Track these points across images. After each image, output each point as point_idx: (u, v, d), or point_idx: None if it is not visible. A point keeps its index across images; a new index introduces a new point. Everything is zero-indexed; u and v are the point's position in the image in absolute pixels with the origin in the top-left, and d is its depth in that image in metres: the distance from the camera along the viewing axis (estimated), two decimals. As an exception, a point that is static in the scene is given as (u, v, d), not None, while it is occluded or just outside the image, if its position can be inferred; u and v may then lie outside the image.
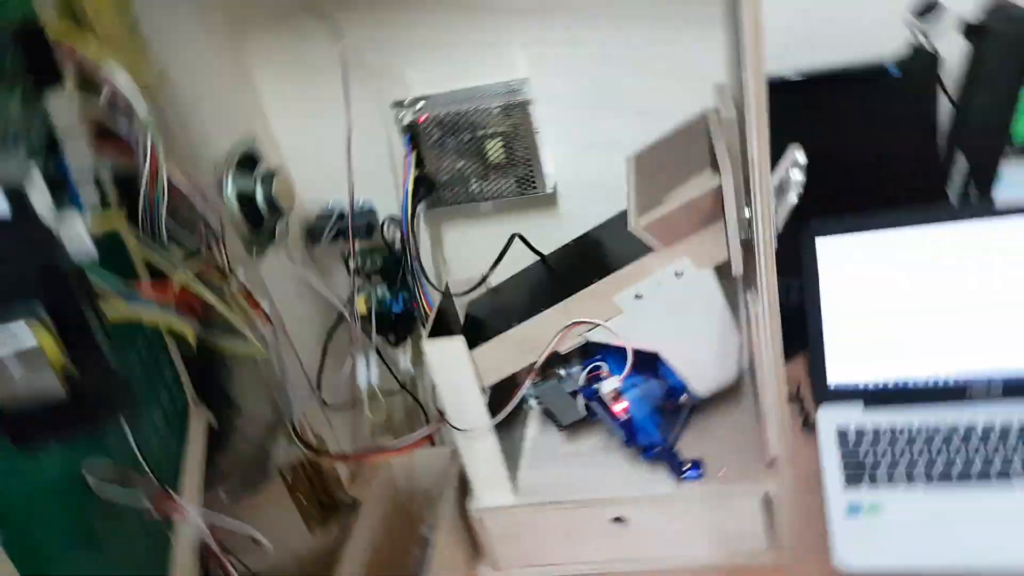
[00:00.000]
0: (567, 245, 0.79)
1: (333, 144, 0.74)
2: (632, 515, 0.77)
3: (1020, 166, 0.81)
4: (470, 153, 0.76)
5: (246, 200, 0.69)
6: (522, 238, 0.76)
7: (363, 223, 0.82)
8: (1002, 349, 0.78)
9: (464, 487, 0.81)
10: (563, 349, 0.71)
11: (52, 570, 0.40)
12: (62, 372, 0.33)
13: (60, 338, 0.33)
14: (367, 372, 0.81)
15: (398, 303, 0.85)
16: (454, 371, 0.72)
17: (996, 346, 0.78)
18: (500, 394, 0.74)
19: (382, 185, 0.81)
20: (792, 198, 0.68)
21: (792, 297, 0.89)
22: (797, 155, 0.57)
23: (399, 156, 0.78)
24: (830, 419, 0.82)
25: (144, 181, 0.46)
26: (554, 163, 0.79)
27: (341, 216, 0.82)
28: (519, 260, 0.79)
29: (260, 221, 0.72)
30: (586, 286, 0.67)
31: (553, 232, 0.81)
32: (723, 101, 0.64)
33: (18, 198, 0.33)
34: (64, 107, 0.41)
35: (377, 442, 0.81)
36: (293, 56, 0.76)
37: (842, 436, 0.80)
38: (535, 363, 0.71)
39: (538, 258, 0.79)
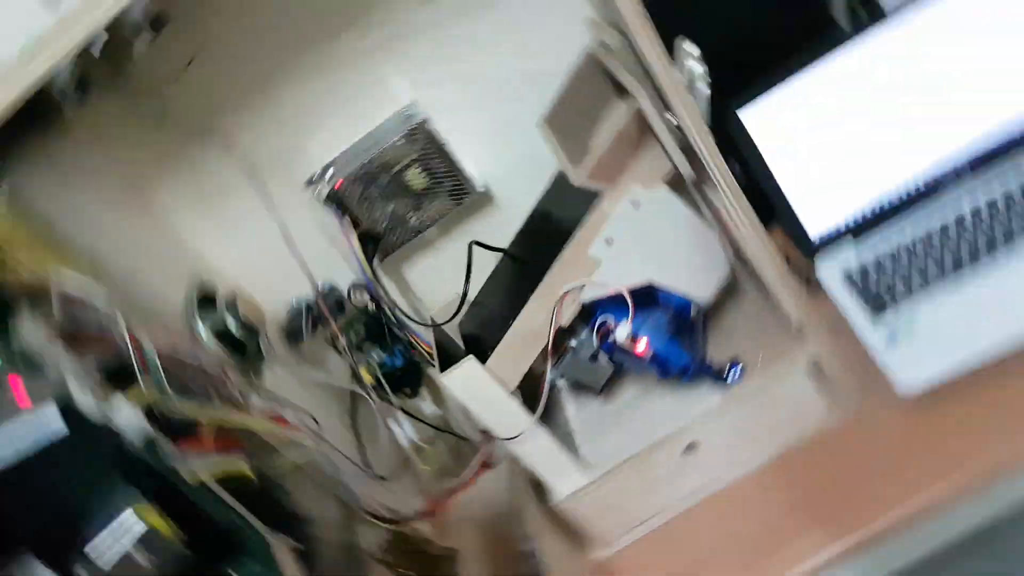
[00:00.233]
0: (522, 230, 0.81)
1: (270, 247, 0.75)
2: (699, 437, 0.78)
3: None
4: (395, 192, 0.77)
5: (223, 335, 0.69)
6: (478, 243, 0.77)
7: (332, 303, 0.82)
8: (953, 134, 0.80)
9: (539, 488, 0.81)
10: (565, 322, 0.73)
11: None
12: (179, 540, 0.34)
13: (164, 511, 0.34)
14: (403, 432, 0.81)
15: (397, 358, 0.86)
16: (479, 390, 0.72)
17: (946, 134, 0.80)
18: (527, 392, 0.75)
19: (331, 260, 0.81)
20: (703, 89, 0.70)
21: (742, 177, 0.92)
22: (687, 47, 0.59)
23: (332, 225, 0.78)
24: (830, 268, 0.84)
25: (135, 360, 0.46)
26: (475, 163, 0.80)
27: (309, 307, 0.82)
28: (486, 264, 0.81)
29: (243, 348, 0.72)
30: (556, 257, 0.69)
31: (503, 225, 0.82)
32: (602, 32, 0.66)
33: (68, 411, 0.33)
34: (31, 331, 0.41)
35: (443, 488, 0.82)
36: (199, 186, 0.76)
37: (848, 278, 0.83)
38: (546, 347, 0.72)
39: (501, 254, 0.80)
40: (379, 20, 0.72)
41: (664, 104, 0.59)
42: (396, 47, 0.73)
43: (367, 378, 0.84)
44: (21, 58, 0.50)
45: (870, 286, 0.81)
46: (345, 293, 0.83)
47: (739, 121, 0.82)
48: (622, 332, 0.73)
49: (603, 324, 0.74)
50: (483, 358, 0.72)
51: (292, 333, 0.83)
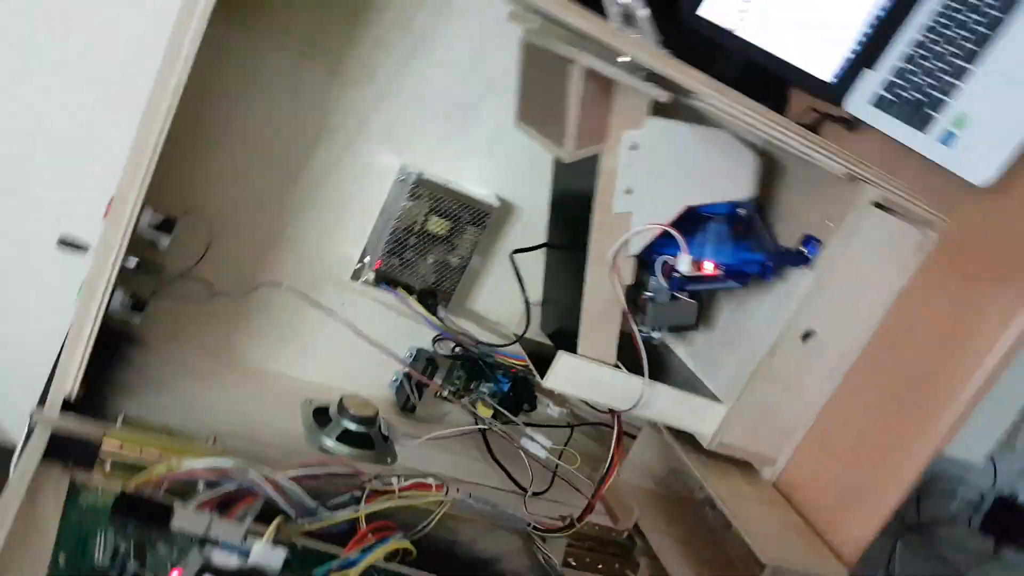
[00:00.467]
0: (551, 219, 0.82)
1: (350, 345, 0.81)
2: (810, 322, 0.77)
3: None
4: (427, 246, 0.81)
5: (346, 438, 0.75)
6: (517, 251, 0.79)
7: (423, 364, 0.87)
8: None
9: (688, 438, 0.83)
10: (628, 280, 0.74)
11: None
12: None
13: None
14: (538, 444, 0.84)
15: (503, 383, 0.89)
16: (583, 378, 0.75)
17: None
18: (631, 359, 0.76)
19: (406, 329, 0.86)
20: (642, 13, 0.70)
21: (720, 64, 0.91)
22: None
23: (391, 300, 0.84)
24: (860, 102, 0.82)
25: (279, 499, 0.52)
26: (480, 185, 0.83)
27: (408, 377, 0.88)
28: (536, 265, 0.83)
29: (368, 440, 0.78)
30: (588, 231, 0.70)
31: (532, 224, 0.85)
32: (524, 20, 0.67)
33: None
34: (188, 519, 0.48)
35: (596, 478, 0.84)
36: (268, 328, 0.83)
37: (881, 101, 0.80)
38: (623, 311, 0.73)
39: (544, 248, 0.82)
40: (336, 123, 0.77)
41: (607, 51, 0.60)
42: (363, 133, 0.78)
43: (486, 412, 0.88)
44: (81, 303, 0.58)
45: (905, 98, 0.78)
46: (431, 350, 0.88)
47: (702, 18, 0.81)
48: (684, 264, 0.73)
49: (664, 265, 0.75)
50: (573, 348, 0.74)
51: (404, 406, 0.88)
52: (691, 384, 0.84)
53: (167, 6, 0.52)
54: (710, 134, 0.73)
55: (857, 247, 0.75)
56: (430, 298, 0.83)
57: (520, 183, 0.84)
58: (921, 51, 0.77)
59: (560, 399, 0.96)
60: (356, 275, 0.81)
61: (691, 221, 0.75)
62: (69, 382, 0.59)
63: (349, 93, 0.75)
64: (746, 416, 0.81)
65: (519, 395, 0.90)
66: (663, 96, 0.64)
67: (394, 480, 0.61)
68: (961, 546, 1.42)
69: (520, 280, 0.79)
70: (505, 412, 0.88)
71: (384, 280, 0.81)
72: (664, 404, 0.79)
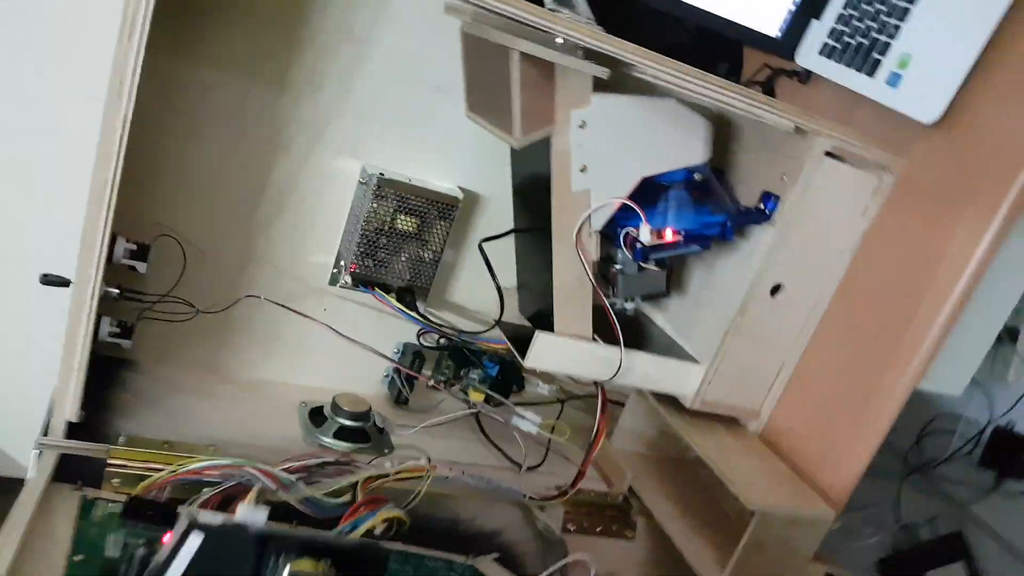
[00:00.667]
0: (515, 205, 0.85)
1: (337, 347, 0.84)
2: (777, 276, 0.79)
3: None
4: (398, 244, 0.84)
5: (342, 433, 0.78)
6: (484, 240, 0.82)
7: (411, 358, 0.90)
8: None
9: (674, 401, 0.85)
10: (594, 256, 0.76)
11: None
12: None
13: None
14: (528, 421, 0.87)
15: (491, 367, 0.92)
16: (562, 354, 0.77)
17: None
18: (608, 331, 0.78)
19: (389, 326, 0.89)
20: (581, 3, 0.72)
21: (673, 35, 0.92)
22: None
23: (371, 301, 0.86)
24: (808, 53, 0.85)
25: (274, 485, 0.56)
26: (442, 179, 0.85)
27: (397, 372, 0.91)
28: (506, 253, 0.86)
29: (364, 434, 0.80)
30: (549, 214, 0.72)
31: (496, 214, 0.88)
32: (459, 12, 0.69)
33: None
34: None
35: (587, 449, 0.87)
36: (253, 339, 0.86)
37: (827, 49, 0.82)
38: (592, 286, 0.76)
39: (512, 234, 0.84)
40: (292, 136, 0.79)
41: (544, 34, 0.62)
42: (320, 142, 0.80)
43: (478, 397, 0.91)
44: (67, 333, 0.61)
45: (851, 44, 0.80)
46: (417, 344, 0.91)
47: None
48: (644, 234, 0.75)
49: (627, 236, 0.77)
50: (551, 327, 0.77)
51: (398, 400, 0.91)
52: (670, 348, 0.87)
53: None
54: (658, 104, 0.75)
55: (815, 198, 0.77)
56: (408, 295, 0.86)
57: (481, 173, 0.86)
58: (862, -5, 0.78)
59: (548, 377, 0.98)
60: (333, 280, 0.84)
61: (651, 191, 0.77)
62: (68, 407, 0.62)
63: (300, 106, 0.78)
64: (724, 373, 0.83)
65: (507, 377, 0.93)
66: (602, 72, 0.66)
67: (387, 464, 0.64)
68: (964, 481, 1.44)
69: (490, 268, 0.81)
70: (496, 395, 0.90)
71: (361, 282, 0.84)
72: (644, 370, 0.82)
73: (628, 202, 0.74)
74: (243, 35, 0.73)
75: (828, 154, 0.76)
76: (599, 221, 0.75)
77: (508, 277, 0.87)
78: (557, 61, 0.64)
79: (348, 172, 0.81)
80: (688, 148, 0.77)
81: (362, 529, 0.54)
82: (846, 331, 0.81)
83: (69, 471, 0.62)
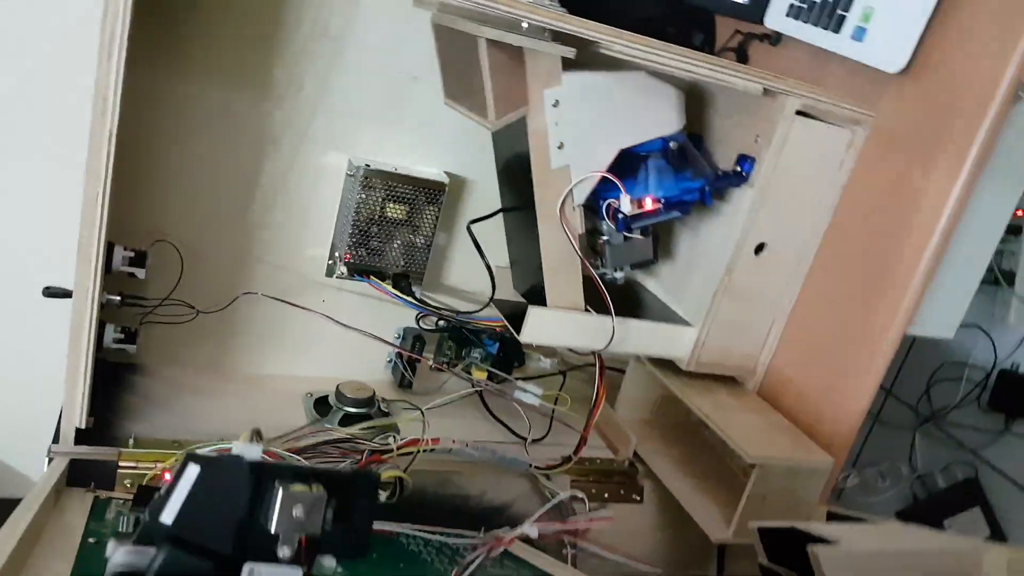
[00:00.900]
0: (500, 185, 0.87)
1: (339, 337, 0.86)
2: (759, 235, 0.81)
3: None
4: (390, 232, 0.86)
5: (347, 420, 0.81)
6: (473, 221, 0.84)
7: (414, 342, 0.92)
8: None
9: (671, 365, 0.88)
10: (578, 229, 0.78)
11: None
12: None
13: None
14: (531, 395, 0.90)
15: (492, 345, 0.94)
16: (557, 327, 0.80)
17: None
18: (601, 303, 0.80)
19: (388, 312, 0.92)
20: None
21: (646, 10, 0.94)
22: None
23: (370, 291, 0.89)
24: (776, 15, 0.87)
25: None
26: (428, 164, 0.87)
27: (399, 356, 0.93)
28: (497, 232, 0.88)
29: (369, 419, 0.83)
30: (532, 192, 0.74)
31: (483, 196, 0.90)
32: (427, 4, 0.71)
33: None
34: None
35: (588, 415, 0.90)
36: (257, 335, 0.89)
37: (792, 9, 0.84)
38: (580, 258, 0.78)
39: (499, 214, 0.86)
40: (277, 136, 0.81)
41: (512, 18, 0.64)
42: (306, 140, 0.82)
43: (480, 375, 0.93)
44: (70, 343, 0.64)
45: (815, 3, 0.82)
46: (417, 327, 0.93)
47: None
48: (625, 204, 0.77)
49: (608, 208, 0.79)
50: (542, 301, 0.79)
51: (401, 384, 0.94)
52: (663, 314, 0.89)
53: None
54: (628, 78, 0.76)
55: (790, 157, 0.78)
56: (403, 280, 0.88)
57: (465, 157, 0.88)
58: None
59: (548, 351, 1.01)
60: (330, 272, 0.86)
61: (630, 163, 0.79)
62: (77, 414, 0.65)
63: (284, 107, 0.80)
64: (717, 334, 0.85)
65: (508, 354, 0.95)
66: (569, 52, 0.68)
67: (391, 440, 0.67)
68: (975, 427, 1.46)
69: (479, 248, 0.83)
70: (498, 372, 0.93)
71: (357, 271, 0.86)
72: (638, 337, 0.84)
73: (607, 175, 0.76)
74: (222, 44, 0.75)
75: (800, 113, 0.77)
76: (581, 195, 0.77)
77: (502, 256, 0.89)
78: (523, 45, 0.65)
79: (335, 166, 0.83)
80: (661, 118, 0.78)
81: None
82: (833, 283, 0.83)
83: (82, 476, 0.65)
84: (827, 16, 0.81)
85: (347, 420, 0.81)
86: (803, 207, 0.82)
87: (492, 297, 0.85)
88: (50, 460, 0.64)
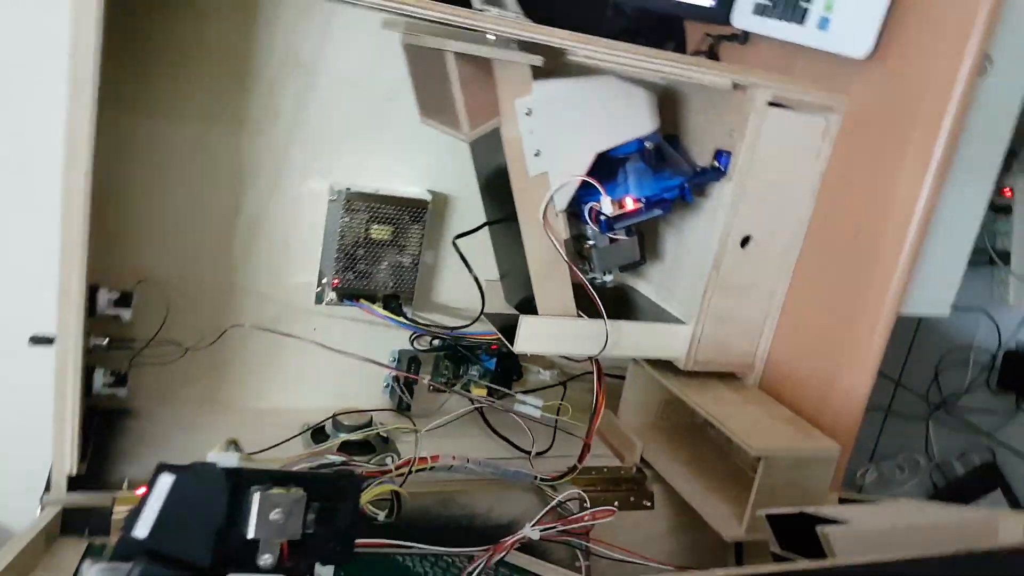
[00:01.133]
0: (483, 198, 0.87)
1: (332, 364, 0.86)
2: (743, 228, 0.81)
3: None
4: (376, 253, 0.86)
5: (346, 448, 0.80)
6: (459, 236, 0.84)
7: (410, 364, 0.92)
8: None
9: (670, 366, 0.87)
10: (563, 235, 0.78)
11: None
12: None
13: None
14: (531, 407, 0.89)
15: (488, 361, 0.94)
16: (549, 335, 0.79)
17: None
18: (592, 308, 0.80)
19: (381, 335, 0.91)
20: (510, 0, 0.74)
21: (615, 21, 0.95)
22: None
23: (362, 315, 0.88)
24: (742, 14, 0.87)
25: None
26: (409, 184, 0.88)
27: (396, 379, 0.93)
28: (484, 246, 0.88)
29: (371, 447, 0.82)
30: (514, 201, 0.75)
31: (467, 210, 0.90)
32: (395, 25, 0.72)
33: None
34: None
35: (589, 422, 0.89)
36: (249, 370, 0.88)
37: (760, 6, 0.84)
38: (566, 264, 0.78)
39: (485, 227, 0.87)
40: (257, 166, 0.82)
41: (474, 33, 0.65)
42: (285, 168, 0.82)
43: (480, 392, 0.92)
44: (55, 389, 0.63)
45: (759, 1, 0.82)
46: (412, 349, 0.93)
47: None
48: (606, 205, 0.77)
49: (591, 211, 0.79)
50: (533, 310, 0.79)
51: (400, 407, 0.93)
52: (656, 314, 0.89)
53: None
54: (599, 82, 0.77)
55: (765, 148, 0.79)
56: (394, 301, 0.88)
57: (446, 173, 0.89)
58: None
59: (547, 362, 1.00)
60: (319, 299, 0.86)
61: (610, 167, 0.79)
62: (67, 461, 0.64)
63: (261, 137, 0.80)
64: (712, 330, 0.85)
65: (506, 368, 0.94)
66: (536, 60, 0.69)
67: (388, 460, 0.66)
68: (986, 410, 1.44)
69: (466, 262, 0.83)
70: (498, 387, 0.92)
71: (346, 296, 0.86)
72: (633, 339, 0.83)
73: (586, 178, 0.76)
74: (194, 79, 0.76)
75: (772, 104, 0.78)
76: (562, 201, 0.77)
77: (492, 270, 0.89)
78: (489, 56, 0.66)
79: (317, 192, 0.83)
80: (635, 120, 0.79)
81: (365, 497, 0.55)
82: (823, 270, 0.83)
83: (76, 524, 0.63)
84: (791, 9, 0.82)
85: (345, 448, 0.80)
86: (784, 196, 0.82)
87: (482, 311, 0.84)
88: (42, 510, 0.63)
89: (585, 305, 0.81)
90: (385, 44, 0.78)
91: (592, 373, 0.84)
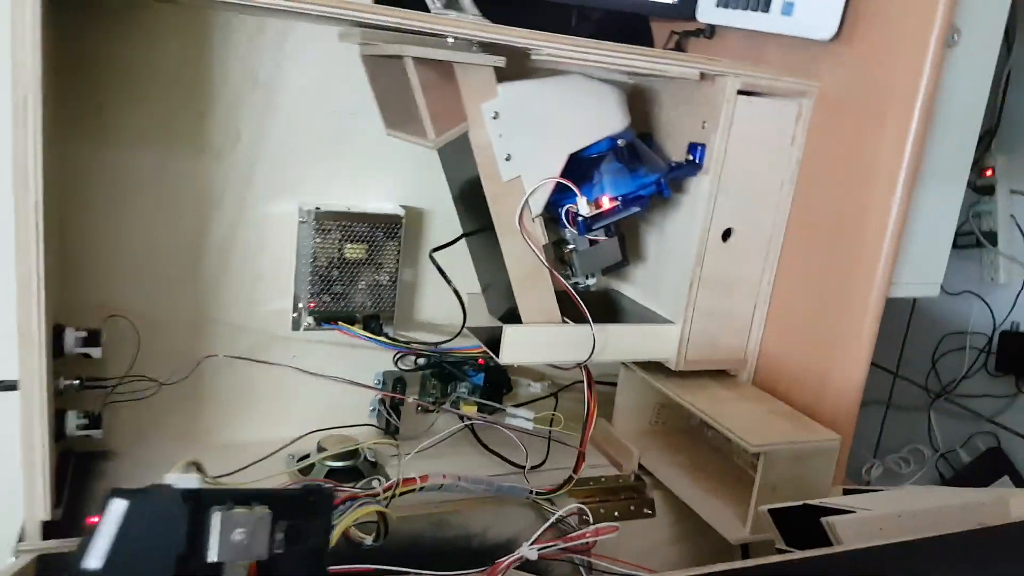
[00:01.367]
0: (458, 210, 0.85)
1: (313, 391, 0.84)
2: (724, 221, 0.80)
3: None
4: (352, 273, 0.84)
5: (336, 475, 0.77)
6: (435, 249, 0.82)
7: (395, 387, 0.89)
8: None
9: (662, 369, 0.85)
10: (542, 240, 0.76)
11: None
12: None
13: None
14: (522, 420, 0.86)
15: (476, 377, 0.91)
16: (535, 343, 0.78)
17: None
18: (577, 314, 0.78)
19: (364, 357, 0.89)
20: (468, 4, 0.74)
21: (581, 25, 0.95)
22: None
23: (342, 338, 0.86)
24: (707, 9, 0.87)
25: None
26: (381, 200, 0.86)
27: (382, 402, 0.90)
28: (463, 258, 0.86)
29: (359, 472, 0.79)
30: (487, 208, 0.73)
31: (442, 224, 0.88)
32: (351, 36, 0.71)
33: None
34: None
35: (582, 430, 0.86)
36: (224, 399, 0.85)
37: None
38: (548, 271, 0.76)
39: (461, 239, 0.85)
40: (221, 191, 0.80)
41: (430, 37, 0.64)
42: (251, 191, 0.80)
43: (470, 409, 0.90)
44: (21, 437, 0.61)
45: None
46: (396, 369, 0.90)
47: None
48: (582, 206, 0.76)
49: (568, 213, 0.77)
50: (517, 319, 0.77)
51: (388, 430, 0.90)
52: (643, 315, 0.87)
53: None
54: (565, 82, 0.76)
55: (739, 137, 0.78)
56: (374, 321, 0.85)
57: (418, 187, 0.87)
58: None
59: (536, 374, 0.98)
60: (296, 324, 0.84)
61: (584, 168, 0.78)
62: (40, 507, 0.61)
63: (223, 161, 0.78)
64: (700, 327, 0.83)
65: (495, 383, 0.92)
66: (498, 61, 0.67)
67: (375, 483, 0.63)
68: (987, 394, 1.43)
69: (445, 276, 0.81)
70: (488, 403, 0.89)
71: (324, 319, 0.83)
72: (621, 342, 0.81)
73: (560, 179, 0.74)
74: (149, 106, 0.74)
75: (743, 92, 0.77)
76: (538, 205, 0.75)
77: (473, 282, 0.87)
78: (449, 59, 0.65)
79: (285, 213, 0.81)
80: (605, 118, 0.77)
81: (338, 530, 0.53)
82: (808, 258, 0.81)
83: (53, 571, 0.60)
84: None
85: (332, 475, 0.77)
86: (762, 186, 0.81)
87: (464, 324, 0.82)
88: (16, 557, 0.60)
89: (570, 311, 0.79)
90: (343, 58, 0.77)
91: (583, 381, 0.82)
